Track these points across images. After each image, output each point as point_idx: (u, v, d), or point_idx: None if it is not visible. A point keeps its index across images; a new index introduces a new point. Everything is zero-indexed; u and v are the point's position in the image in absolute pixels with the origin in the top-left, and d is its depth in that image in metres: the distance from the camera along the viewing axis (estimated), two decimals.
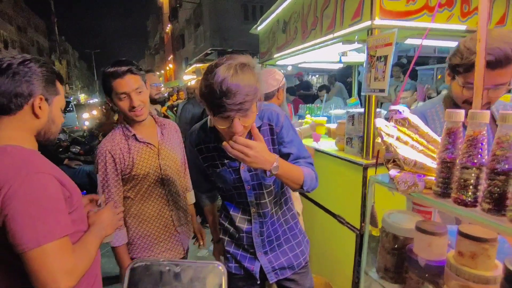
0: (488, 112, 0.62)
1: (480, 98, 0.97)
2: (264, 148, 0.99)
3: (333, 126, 2.85)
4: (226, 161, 1.18)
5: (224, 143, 0.96)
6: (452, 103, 1.23)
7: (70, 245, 0.87)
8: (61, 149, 4.97)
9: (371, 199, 0.92)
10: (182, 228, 1.60)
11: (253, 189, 1.21)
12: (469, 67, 1.06)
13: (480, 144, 0.62)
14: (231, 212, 1.29)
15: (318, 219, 2.50)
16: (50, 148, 4.98)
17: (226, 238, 1.34)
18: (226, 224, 1.33)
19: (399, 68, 4.57)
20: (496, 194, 0.59)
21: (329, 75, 6.19)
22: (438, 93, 4.09)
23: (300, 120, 3.46)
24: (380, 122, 0.82)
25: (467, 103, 1.11)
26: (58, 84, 1.02)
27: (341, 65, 4.51)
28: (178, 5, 22.69)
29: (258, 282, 1.31)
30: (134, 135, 1.42)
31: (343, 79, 6.54)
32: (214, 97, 0.91)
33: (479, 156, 0.62)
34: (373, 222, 0.94)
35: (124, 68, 1.32)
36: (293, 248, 1.33)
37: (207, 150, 1.21)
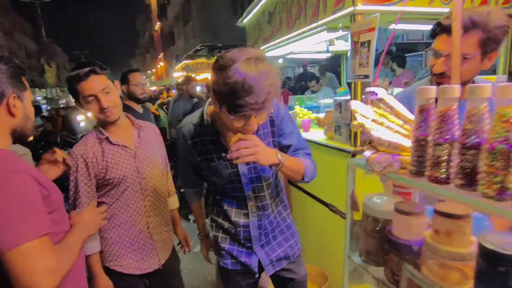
0: (457, 86, 0.60)
1: (458, 74, 0.96)
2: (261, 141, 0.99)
3: (321, 115, 2.84)
4: (223, 154, 1.16)
5: (230, 150, 0.94)
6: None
7: (50, 244, 0.86)
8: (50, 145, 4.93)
9: (351, 183, 0.91)
10: (159, 236, 1.51)
11: (250, 182, 1.20)
12: (433, 34, 1.09)
13: (451, 120, 0.61)
14: (225, 208, 1.26)
15: (311, 209, 2.50)
16: (41, 152, 4.93)
17: (220, 235, 1.31)
18: (220, 220, 1.30)
19: (387, 56, 4.58)
20: (468, 169, 0.58)
21: (319, 65, 6.16)
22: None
23: (290, 112, 3.45)
24: (355, 104, 0.80)
25: (433, 75, 1.11)
26: (23, 78, 0.99)
27: (329, 55, 4.49)
28: (166, 2, 22.40)
29: (257, 276, 1.30)
30: (107, 137, 1.37)
31: (335, 69, 6.52)
32: (236, 97, 0.87)
33: (450, 131, 0.61)
34: (354, 206, 0.93)
35: (86, 69, 1.26)
36: (288, 239, 1.34)
37: (202, 144, 1.18)
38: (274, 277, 1.37)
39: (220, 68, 0.90)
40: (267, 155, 0.98)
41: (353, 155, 1.91)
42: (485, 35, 1.01)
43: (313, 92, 5.04)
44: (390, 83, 4.12)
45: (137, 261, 1.44)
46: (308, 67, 7.80)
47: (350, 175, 0.90)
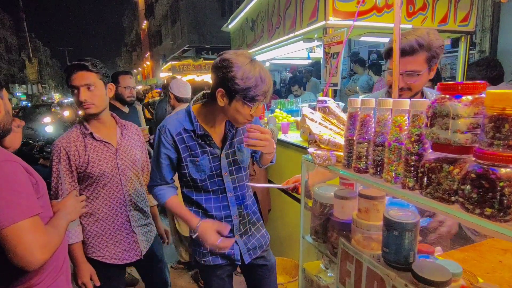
0: (372, 100, 0.80)
1: (397, 87, 1.18)
2: None
3: (298, 119, 3.04)
4: (208, 148, 1.28)
5: (247, 137, 1.14)
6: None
7: (42, 223, 0.97)
8: (36, 150, 4.93)
9: (305, 175, 1.10)
10: (141, 229, 1.60)
11: (230, 174, 1.33)
12: (387, 54, 1.30)
13: (368, 124, 0.81)
14: (204, 205, 1.33)
15: (286, 206, 2.69)
16: (24, 148, 4.92)
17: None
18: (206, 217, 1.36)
19: (358, 65, 4.89)
20: (377, 161, 0.77)
21: (305, 70, 6.40)
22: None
23: (270, 115, 3.63)
24: (306, 110, 0.99)
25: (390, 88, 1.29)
26: None
27: (310, 61, 4.73)
28: (154, 0, 22.24)
29: (239, 263, 1.41)
30: (91, 133, 1.44)
31: (318, 74, 6.78)
32: (257, 88, 1.10)
33: (368, 133, 0.81)
34: (307, 194, 1.12)
35: (79, 63, 1.38)
36: (259, 229, 1.48)
37: (188, 140, 1.26)
38: (246, 267, 1.45)
39: (232, 69, 1.10)
40: (271, 147, 1.20)
41: None
42: (430, 53, 1.24)
43: (296, 96, 5.25)
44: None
45: (119, 252, 1.52)
46: (303, 71, 8.03)
47: (304, 167, 1.09)
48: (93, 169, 1.42)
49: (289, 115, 3.41)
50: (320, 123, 0.98)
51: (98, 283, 1.47)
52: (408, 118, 0.70)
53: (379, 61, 5.39)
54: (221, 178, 1.31)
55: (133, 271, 2.81)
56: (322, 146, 0.93)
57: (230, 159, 1.32)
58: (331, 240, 0.99)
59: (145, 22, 26.90)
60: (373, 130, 0.80)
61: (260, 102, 1.14)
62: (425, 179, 0.63)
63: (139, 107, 3.52)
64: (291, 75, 7.69)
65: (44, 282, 1.02)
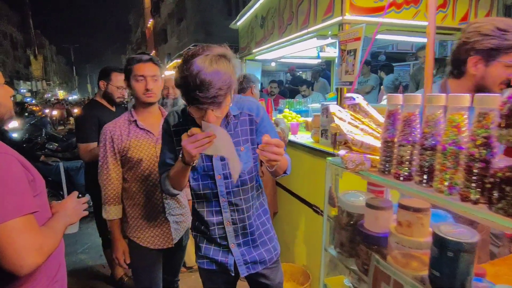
0: (419, 95, 0.69)
1: (431, 81, 1.06)
2: None
3: (310, 119, 2.93)
4: None
5: (259, 149, 0.96)
6: (472, 89, 1.09)
7: (36, 223, 0.87)
8: (37, 147, 4.85)
9: (329, 181, 0.99)
10: (175, 218, 1.66)
11: (224, 178, 1.20)
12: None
13: (414, 124, 0.69)
14: (198, 209, 1.27)
15: (295, 210, 2.58)
16: (25, 145, 4.85)
17: (199, 235, 1.33)
18: (197, 223, 1.31)
19: (365, 66, 4.77)
20: (425, 168, 0.66)
21: (313, 70, 6.28)
22: (417, 83, 4.24)
23: (278, 115, 3.53)
24: (333, 108, 0.88)
25: (503, 83, 1.04)
26: None
27: (320, 61, 4.61)
28: None
29: (233, 275, 1.29)
30: (135, 121, 1.57)
31: (328, 74, 6.66)
32: (188, 89, 0.93)
33: (413, 134, 0.69)
34: (331, 202, 1.01)
35: (147, 57, 1.57)
36: (265, 243, 1.32)
37: (183, 132, 1.16)
38: (250, 280, 1.37)
39: (182, 61, 0.98)
40: (283, 162, 1.07)
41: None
42: None
43: (304, 96, 5.14)
44: (372, 88, 4.27)
45: (152, 237, 1.61)
46: (300, 72, 7.91)
47: (329, 172, 0.98)
48: (132, 154, 1.54)
49: (298, 115, 3.30)
50: (349, 123, 0.87)
51: (128, 261, 1.61)
52: (469, 117, 0.59)
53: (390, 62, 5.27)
54: (214, 181, 1.20)
55: None
56: (354, 148, 0.81)
57: (225, 161, 1.19)
58: (360, 255, 0.88)
59: (150, 20, 26.91)
60: (419, 131, 0.69)
61: (204, 108, 0.97)
62: (496, 191, 0.52)
63: (129, 105, 3.38)
64: (290, 76, 7.57)
65: None
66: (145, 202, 1.59)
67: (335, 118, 0.85)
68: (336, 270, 1.10)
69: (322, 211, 2.24)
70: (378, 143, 0.82)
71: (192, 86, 0.92)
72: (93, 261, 3.13)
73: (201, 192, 1.23)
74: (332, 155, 2.06)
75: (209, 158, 1.19)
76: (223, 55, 0.97)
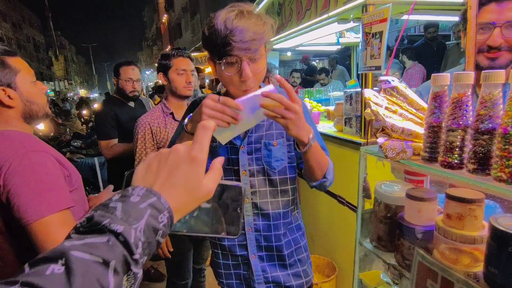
0: (471, 73, 0.61)
1: (473, 60, 0.96)
2: None
3: (331, 108, 2.84)
4: None
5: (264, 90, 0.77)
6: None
7: (72, 217, 0.90)
8: (62, 144, 5.04)
9: (363, 171, 0.93)
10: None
11: (250, 175, 1.05)
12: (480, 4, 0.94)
13: (465, 106, 0.62)
14: None
15: (319, 201, 2.52)
16: (51, 143, 5.04)
17: (215, 251, 1.15)
18: None
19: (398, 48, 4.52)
20: (481, 154, 0.59)
21: (329, 58, 6.09)
22: (445, 65, 4.01)
23: None
24: (368, 92, 0.81)
25: (481, 51, 0.96)
26: (9, 60, 0.93)
27: (339, 47, 4.45)
28: None
29: None
30: (172, 113, 1.62)
31: (344, 62, 6.45)
32: (218, 36, 0.84)
33: (464, 117, 0.62)
34: (366, 194, 0.95)
35: (186, 53, 1.68)
36: (295, 265, 1.11)
37: None
38: None
39: (207, 23, 0.90)
40: (300, 127, 0.82)
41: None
42: None
43: (322, 85, 5.01)
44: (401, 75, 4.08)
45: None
46: (316, 61, 7.70)
47: (363, 162, 0.92)
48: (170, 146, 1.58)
49: (319, 104, 3.21)
50: (386, 108, 0.80)
51: (171, 248, 1.64)
52: None
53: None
54: (239, 177, 1.05)
55: (160, 267, 2.76)
56: (395, 135, 0.75)
57: (253, 156, 1.04)
58: (401, 249, 0.82)
59: (165, 15, 27.09)
60: (471, 113, 0.61)
61: (239, 60, 0.85)
62: None
63: (150, 100, 3.37)
64: (304, 66, 7.33)
65: None
66: None
67: (372, 104, 0.78)
68: (370, 265, 1.05)
69: (347, 202, 2.18)
70: (420, 129, 0.76)
71: (222, 32, 0.83)
72: None
73: None
74: (358, 144, 1.99)
75: (235, 150, 1.05)
76: (250, 10, 0.90)
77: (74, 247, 0.32)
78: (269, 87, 0.77)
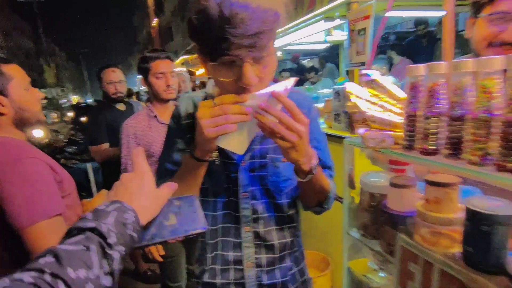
0: (444, 63, 0.64)
1: (449, 52, 1.00)
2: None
3: (320, 105, 2.87)
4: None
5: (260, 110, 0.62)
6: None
7: (63, 223, 0.91)
8: (57, 150, 5.01)
9: (348, 162, 0.95)
10: None
11: (252, 198, 0.85)
12: None
13: (438, 94, 0.65)
14: (206, 240, 0.88)
15: None
16: (46, 150, 5.01)
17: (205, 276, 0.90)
18: (207, 255, 0.88)
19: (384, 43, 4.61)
20: (454, 139, 0.62)
21: (319, 57, 6.16)
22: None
23: None
24: (350, 86, 0.84)
25: (493, 45, 0.88)
26: (3, 68, 0.94)
27: (328, 45, 4.51)
28: None
29: None
30: (155, 116, 1.60)
31: (334, 60, 6.52)
32: (211, 27, 0.58)
33: (438, 105, 0.65)
34: (351, 184, 0.98)
35: (164, 53, 1.61)
36: None
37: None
38: None
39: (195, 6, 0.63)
40: (302, 153, 0.67)
41: None
42: None
43: (312, 83, 5.06)
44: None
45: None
46: (307, 60, 7.76)
47: (347, 154, 0.95)
48: (155, 149, 1.54)
49: None
50: (367, 100, 0.83)
51: (162, 252, 1.60)
52: (504, 81, 0.54)
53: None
54: (237, 200, 0.84)
55: (157, 269, 2.77)
56: (374, 126, 0.78)
57: (257, 173, 0.84)
58: (385, 236, 0.85)
59: (155, 19, 27.02)
60: (446, 101, 0.64)
61: (239, 60, 0.62)
62: None
63: (141, 103, 3.37)
64: (294, 65, 7.37)
65: None
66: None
67: (352, 97, 0.81)
68: (359, 254, 1.07)
69: (339, 197, 2.20)
70: (399, 119, 0.78)
71: (217, 21, 0.57)
72: None
73: (221, 211, 0.87)
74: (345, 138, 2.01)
75: (234, 166, 0.84)
76: None
77: (60, 245, 0.43)
78: (286, 84, 0.62)
